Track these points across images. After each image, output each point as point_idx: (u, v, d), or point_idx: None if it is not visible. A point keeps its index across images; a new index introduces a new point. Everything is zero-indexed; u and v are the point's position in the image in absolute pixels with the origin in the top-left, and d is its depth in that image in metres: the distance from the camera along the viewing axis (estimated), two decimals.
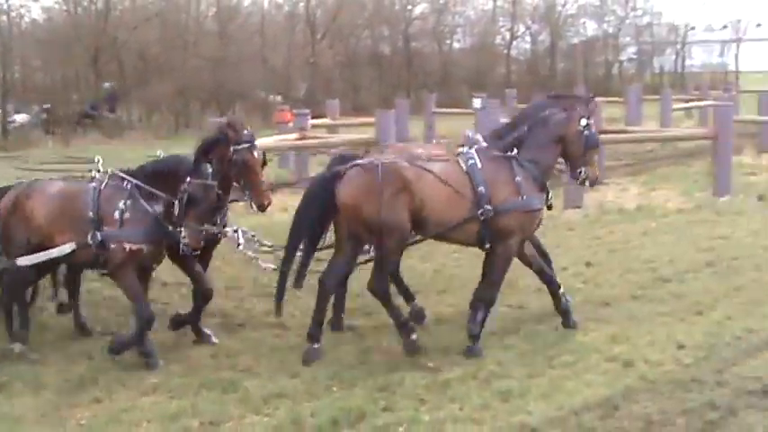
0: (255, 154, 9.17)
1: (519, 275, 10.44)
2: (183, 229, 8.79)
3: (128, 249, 8.78)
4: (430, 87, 43.43)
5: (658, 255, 12.67)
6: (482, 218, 9.00)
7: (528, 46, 58.53)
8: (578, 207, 16.35)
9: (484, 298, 9.24)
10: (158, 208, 8.81)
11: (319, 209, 9.14)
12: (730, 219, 15.57)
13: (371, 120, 19.96)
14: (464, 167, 9.14)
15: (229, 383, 8.29)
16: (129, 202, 8.84)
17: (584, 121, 9.43)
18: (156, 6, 43.04)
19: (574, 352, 8.93)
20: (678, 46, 62.48)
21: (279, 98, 39.07)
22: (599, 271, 11.79)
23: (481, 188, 9.01)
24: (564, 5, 58.17)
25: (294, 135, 19.62)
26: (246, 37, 45.75)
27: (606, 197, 16.95)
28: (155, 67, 41.34)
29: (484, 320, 9.14)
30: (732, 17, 67.62)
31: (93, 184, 9.11)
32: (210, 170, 8.77)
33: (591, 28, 60.76)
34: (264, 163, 9.38)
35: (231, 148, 9.03)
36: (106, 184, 9.05)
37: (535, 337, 9.41)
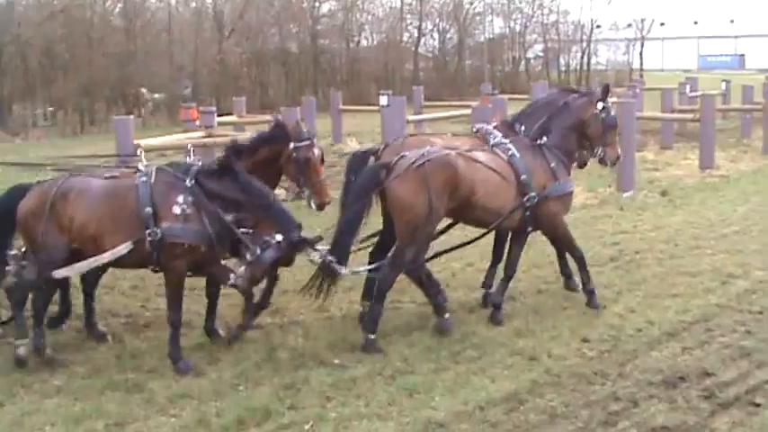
0: (316, 151, 9.12)
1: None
2: (243, 268, 8.56)
3: (186, 246, 8.44)
4: (338, 85, 43.44)
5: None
6: (527, 204, 9.65)
7: (436, 43, 58.87)
8: None
9: (580, 264, 10.30)
10: (229, 216, 8.46)
11: (368, 203, 9.32)
12: (634, 214, 15.84)
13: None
14: (504, 157, 9.72)
15: (134, 384, 8.21)
16: (189, 198, 8.44)
17: (600, 104, 10.20)
18: (61, 2, 42.29)
19: (479, 347, 9.03)
20: (584, 44, 63.27)
21: (159, 95, 38.51)
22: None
23: (524, 176, 9.67)
24: (471, 3, 58.69)
25: (200, 133, 19.42)
26: (153, 34, 45.31)
27: None
28: (60, 64, 40.75)
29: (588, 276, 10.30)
30: (637, 16, 68.68)
31: (143, 178, 8.61)
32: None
33: (498, 26, 61.42)
34: (323, 161, 9.32)
35: (292, 146, 8.98)
36: (155, 178, 8.62)
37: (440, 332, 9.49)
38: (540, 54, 62.64)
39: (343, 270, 9.14)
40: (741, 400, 7.73)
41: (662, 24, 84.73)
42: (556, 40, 62.21)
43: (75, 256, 8.57)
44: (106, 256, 8.42)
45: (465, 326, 9.61)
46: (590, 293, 10.26)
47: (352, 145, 25.78)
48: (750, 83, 32.41)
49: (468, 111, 20.94)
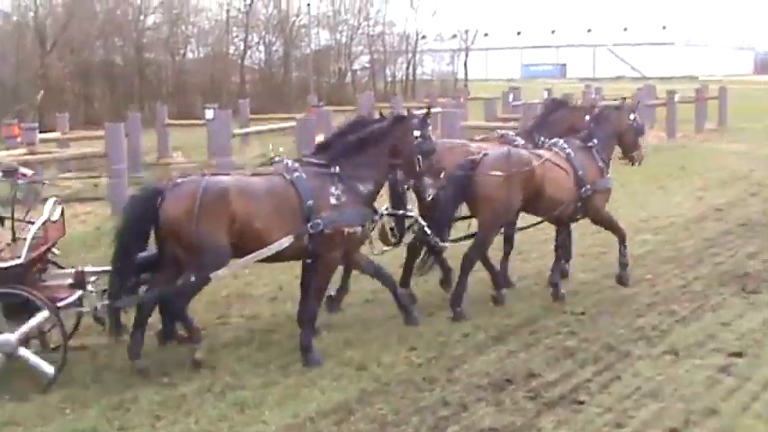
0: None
1: (252, 285, 10.44)
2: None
3: (345, 233, 9.00)
4: (164, 98, 42.87)
5: (391, 259, 12.86)
6: (582, 197, 11.09)
7: (262, 56, 58.70)
8: None
9: (622, 240, 11.65)
10: (365, 188, 9.22)
11: (461, 195, 10.57)
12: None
13: (103, 133, 19.48)
14: (563, 155, 11.11)
15: None
16: (340, 186, 8.91)
17: (633, 116, 11.87)
18: None
19: None
20: (410, 55, 64.00)
21: None
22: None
23: (581, 172, 11.06)
24: (297, 16, 58.62)
25: (22, 150, 18.95)
26: None
27: None
28: None
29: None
30: (461, 27, 69.76)
31: (296, 173, 8.97)
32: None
33: (324, 38, 61.58)
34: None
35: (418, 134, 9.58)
36: (306, 172, 9.05)
37: (269, 346, 9.48)
38: (367, 65, 63.00)
39: (443, 244, 10.56)
40: (566, 399, 7.99)
41: (486, 35, 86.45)
42: (382, 51, 62.69)
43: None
44: (265, 251, 8.76)
45: (294, 339, 9.51)
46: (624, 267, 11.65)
47: (179, 159, 25.53)
48: (571, 91, 33.24)
49: (294, 123, 20.97)
